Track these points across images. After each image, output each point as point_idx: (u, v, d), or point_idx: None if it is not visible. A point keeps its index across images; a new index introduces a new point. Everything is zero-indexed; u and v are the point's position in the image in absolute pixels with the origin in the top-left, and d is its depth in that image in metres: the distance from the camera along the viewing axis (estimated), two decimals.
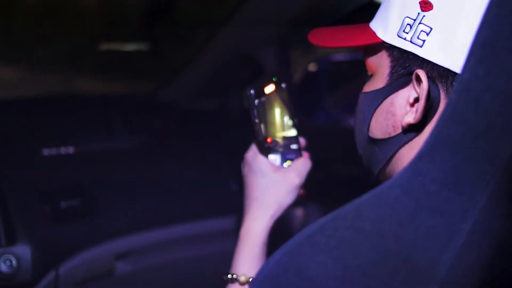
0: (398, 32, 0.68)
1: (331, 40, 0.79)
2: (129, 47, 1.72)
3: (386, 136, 0.72)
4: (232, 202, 1.42)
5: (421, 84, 0.65)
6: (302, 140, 0.98)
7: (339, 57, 1.80)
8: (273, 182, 0.91)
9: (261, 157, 0.95)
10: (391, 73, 0.70)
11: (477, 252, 0.44)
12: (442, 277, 0.44)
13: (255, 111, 0.94)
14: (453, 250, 0.44)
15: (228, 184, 1.43)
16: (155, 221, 1.28)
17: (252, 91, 0.93)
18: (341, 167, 1.08)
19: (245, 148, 1.65)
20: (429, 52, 0.65)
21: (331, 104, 1.78)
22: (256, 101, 0.94)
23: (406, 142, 0.69)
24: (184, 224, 1.30)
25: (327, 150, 1.47)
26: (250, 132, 1.81)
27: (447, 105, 0.48)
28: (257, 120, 0.94)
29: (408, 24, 0.67)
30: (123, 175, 1.34)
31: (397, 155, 0.71)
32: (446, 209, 0.45)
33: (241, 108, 1.80)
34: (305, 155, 0.98)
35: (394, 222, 0.46)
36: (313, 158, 0.99)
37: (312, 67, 1.85)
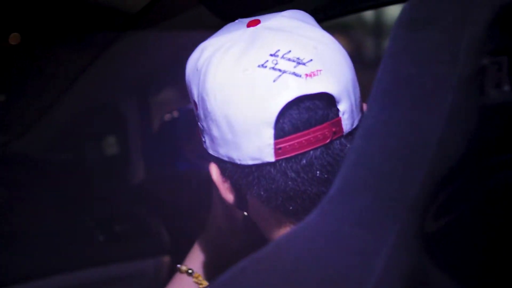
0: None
1: None
2: None
3: None
4: (100, 252, 1.37)
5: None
6: None
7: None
8: None
9: None
10: None
11: (390, 287, 0.47)
12: None
13: None
14: (368, 285, 0.47)
15: (95, 235, 1.38)
16: (22, 275, 1.21)
17: None
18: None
19: (107, 197, 1.60)
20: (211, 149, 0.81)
21: (190, 151, 1.80)
22: None
23: None
24: (54, 276, 1.24)
25: (192, 198, 1.48)
26: (109, 183, 1.75)
27: (353, 150, 0.51)
28: None
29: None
30: None
31: None
32: (359, 248, 0.48)
33: (98, 159, 1.76)
34: None
35: (311, 261, 0.49)
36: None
37: (167, 117, 1.86)
